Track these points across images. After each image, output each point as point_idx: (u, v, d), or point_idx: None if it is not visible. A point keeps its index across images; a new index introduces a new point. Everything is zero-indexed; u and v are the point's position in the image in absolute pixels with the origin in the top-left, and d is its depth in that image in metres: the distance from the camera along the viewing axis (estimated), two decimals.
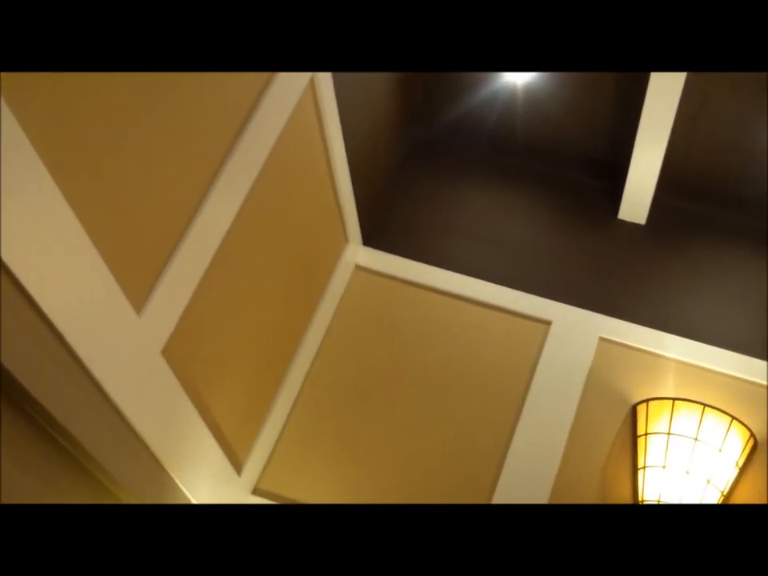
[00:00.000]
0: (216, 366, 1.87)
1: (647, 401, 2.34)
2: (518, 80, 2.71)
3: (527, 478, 2.26)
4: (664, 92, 2.38)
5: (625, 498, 2.25)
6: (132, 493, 1.54)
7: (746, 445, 2.24)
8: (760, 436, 2.29)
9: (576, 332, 2.50)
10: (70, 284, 1.26)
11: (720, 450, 2.19)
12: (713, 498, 2.15)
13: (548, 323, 2.52)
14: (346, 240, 2.58)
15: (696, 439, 2.19)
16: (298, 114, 2.00)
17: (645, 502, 2.17)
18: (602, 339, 2.49)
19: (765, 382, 2.38)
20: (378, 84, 2.64)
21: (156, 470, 1.65)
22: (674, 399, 2.29)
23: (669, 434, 2.22)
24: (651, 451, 2.23)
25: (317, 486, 2.29)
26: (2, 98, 1.06)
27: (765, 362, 2.42)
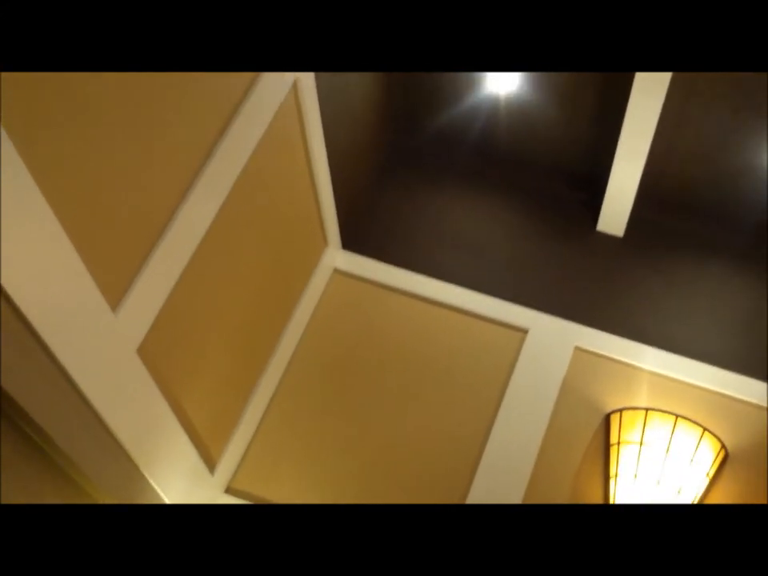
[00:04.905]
0: (191, 365, 1.87)
1: (621, 410, 2.36)
2: (500, 90, 2.72)
3: (500, 483, 2.27)
4: (644, 106, 2.40)
5: None
6: (105, 491, 1.54)
7: (717, 456, 2.26)
8: (731, 448, 2.32)
9: (552, 341, 2.51)
10: (45, 280, 1.25)
11: (691, 461, 2.21)
12: None
13: (524, 331, 2.54)
14: (326, 243, 2.59)
15: (668, 450, 2.21)
16: (280, 117, 2.00)
17: None
18: (577, 348, 2.51)
19: (736, 395, 2.41)
20: (360, 89, 2.65)
21: (129, 468, 1.64)
22: (647, 409, 2.31)
23: (641, 443, 2.24)
24: (623, 460, 2.24)
25: (290, 486, 2.28)
26: None
27: (737, 375, 2.45)
